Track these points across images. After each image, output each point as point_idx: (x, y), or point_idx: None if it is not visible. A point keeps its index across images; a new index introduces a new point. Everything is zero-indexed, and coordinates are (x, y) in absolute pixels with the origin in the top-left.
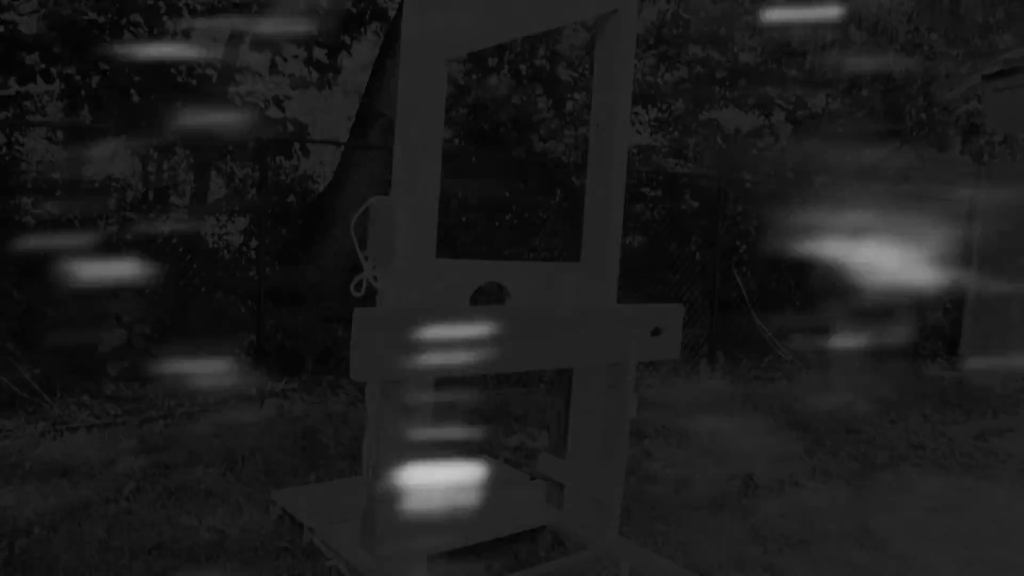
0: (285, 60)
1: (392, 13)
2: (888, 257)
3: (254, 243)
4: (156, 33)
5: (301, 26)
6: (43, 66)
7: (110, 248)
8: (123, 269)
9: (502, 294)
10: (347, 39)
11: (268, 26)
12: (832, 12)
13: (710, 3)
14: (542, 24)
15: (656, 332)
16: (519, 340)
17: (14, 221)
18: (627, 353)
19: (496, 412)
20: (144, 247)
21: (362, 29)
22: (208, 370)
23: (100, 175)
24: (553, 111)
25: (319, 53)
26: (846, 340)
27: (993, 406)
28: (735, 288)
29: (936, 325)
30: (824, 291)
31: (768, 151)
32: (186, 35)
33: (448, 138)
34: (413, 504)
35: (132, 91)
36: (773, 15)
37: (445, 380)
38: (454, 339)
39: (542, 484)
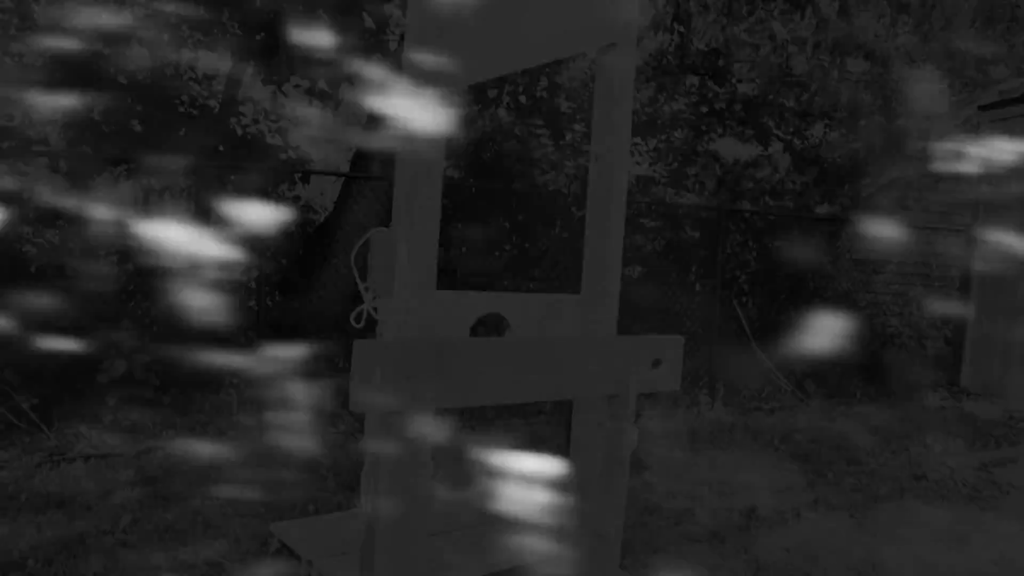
0: (286, 95)
1: (393, 46)
2: (883, 285)
3: (254, 273)
4: (159, 65)
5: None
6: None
7: (110, 278)
8: (123, 298)
9: (502, 326)
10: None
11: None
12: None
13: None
14: (543, 57)
15: (656, 364)
16: (518, 371)
17: (16, 250)
18: (627, 385)
19: (495, 443)
20: (145, 276)
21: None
22: (207, 401)
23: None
24: (553, 142)
25: (321, 84)
26: (846, 370)
27: (996, 437)
28: (735, 318)
29: (937, 355)
30: (824, 321)
31: (767, 181)
32: (190, 66)
33: (448, 169)
34: (412, 537)
35: (135, 121)
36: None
37: (445, 411)
38: (454, 370)
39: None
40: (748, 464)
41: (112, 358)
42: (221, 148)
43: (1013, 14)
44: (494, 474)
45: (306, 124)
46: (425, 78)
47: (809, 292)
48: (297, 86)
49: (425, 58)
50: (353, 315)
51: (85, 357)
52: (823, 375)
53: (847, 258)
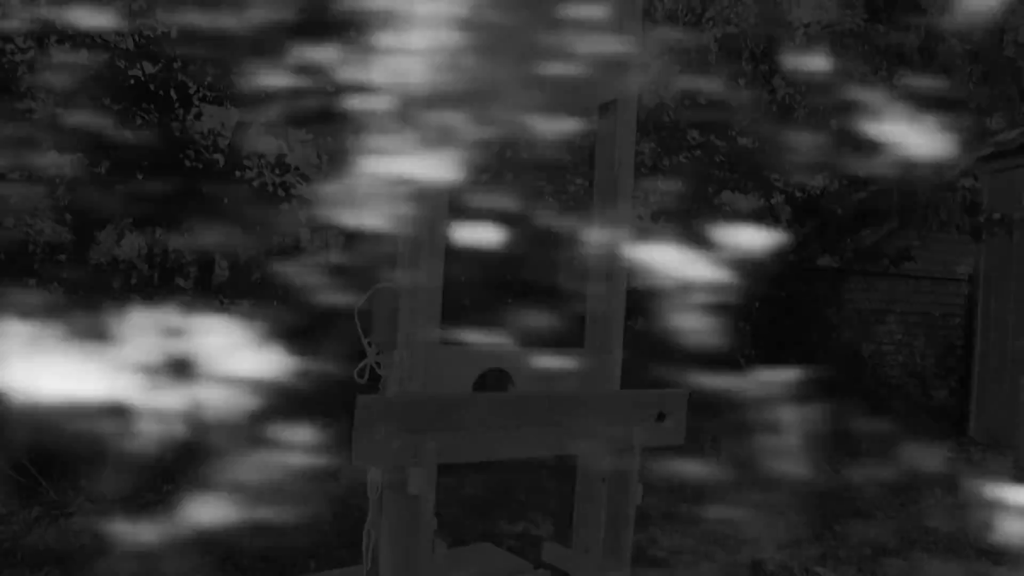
0: (291, 150)
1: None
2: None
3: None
4: (166, 119)
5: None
6: (55, 153)
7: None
8: None
9: (506, 379)
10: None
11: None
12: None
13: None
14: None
15: (661, 418)
16: (522, 426)
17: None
18: (631, 439)
19: (499, 498)
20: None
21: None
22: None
23: (107, 256)
24: (555, 195)
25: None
26: (853, 421)
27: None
28: (739, 368)
29: (942, 405)
30: (827, 371)
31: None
32: (196, 117)
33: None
34: None
35: (139, 175)
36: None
37: (448, 466)
38: (457, 426)
39: (547, 573)
40: (755, 517)
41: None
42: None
43: (1011, 67)
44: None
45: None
46: (431, 134)
47: (812, 343)
48: (303, 141)
49: (433, 116)
50: (356, 370)
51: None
52: (828, 426)
53: (849, 308)
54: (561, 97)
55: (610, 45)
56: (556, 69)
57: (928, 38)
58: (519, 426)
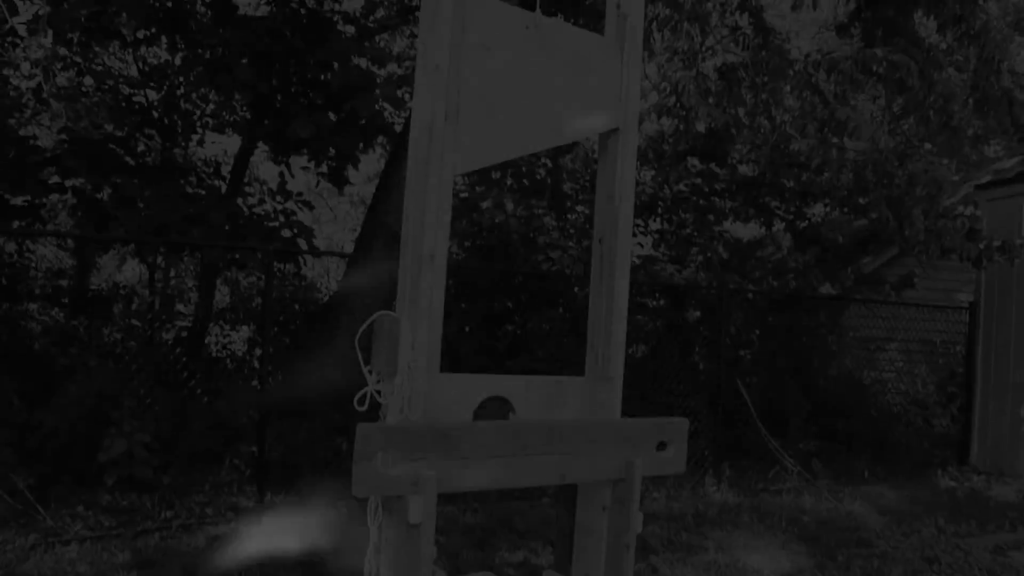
0: (292, 176)
1: (399, 127)
2: (887, 363)
3: (257, 352)
4: (169, 146)
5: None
6: (58, 180)
7: (114, 355)
8: (126, 376)
9: (506, 408)
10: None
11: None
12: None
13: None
14: (547, 143)
15: (662, 446)
16: (522, 455)
17: (20, 327)
18: (632, 468)
19: (499, 527)
20: (148, 355)
21: (370, 143)
22: (207, 481)
23: (108, 282)
24: (555, 223)
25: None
26: (853, 449)
27: (1009, 518)
28: (739, 398)
29: (944, 433)
30: (830, 400)
31: (769, 260)
32: (199, 143)
33: (452, 250)
34: None
35: (140, 203)
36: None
37: (449, 494)
38: (457, 454)
39: None
40: (755, 547)
41: (112, 436)
42: (227, 227)
43: (1007, 97)
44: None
45: (312, 203)
46: (430, 161)
47: (813, 371)
48: (305, 167)
49: (431, 141)
50: (357, 398)
51: (85, 436)
52: (830, 455)
53: (850, 336)
54: (563, 126)
55: (611, 75)
56: (559, 101)
57: (927, 64)
58: (520, 455)
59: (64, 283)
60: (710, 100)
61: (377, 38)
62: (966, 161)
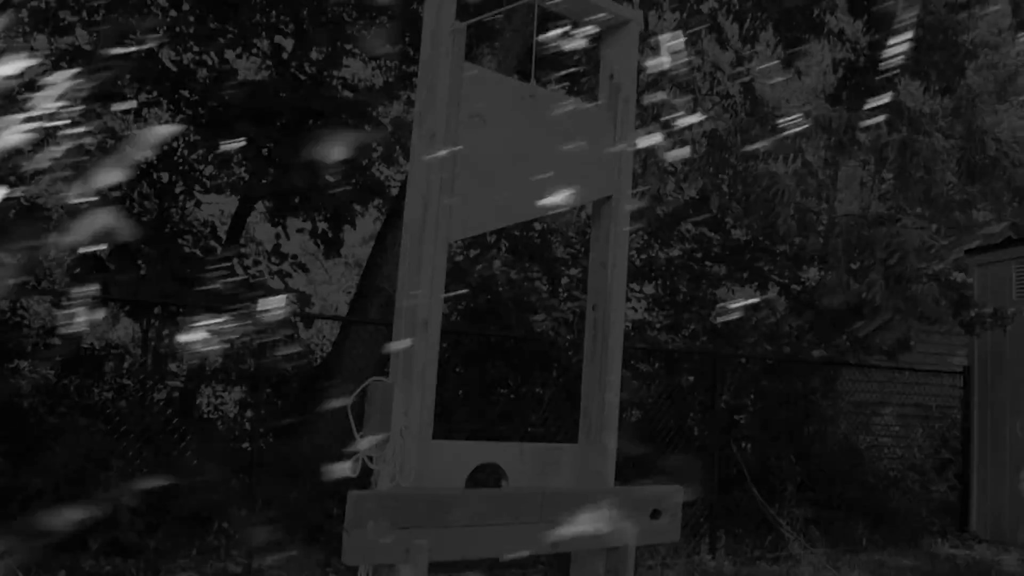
0: (288, 238)
1: (394, 190)
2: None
3: (249, 414)
4: (167, 207)
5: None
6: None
7: (103, 415)
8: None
9: (499, 475)
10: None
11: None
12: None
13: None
14: (541, 211)
15: (656, 515)
16: (515, 524)
17: (10, 384)
18: (626, 537)
19: None
20: (138, 415)
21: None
22: (194, 546)
23: (100, 341)
24: (549, 288)
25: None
26: (851, 516)
27: None
28: (735, 464)
29: (943, 499)
30: (826, 465)
31: (763, 325)
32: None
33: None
34: None
35: (140, 262)
36: None
37: (440, 564)
38: (450, 522)
39: None
40: None
41: (97, 500)
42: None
43: (993, 166)
44: None
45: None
46: (425, 226)
47: (809, 435)
48: (300, 230)
49: (426, 207)
50: (349, 464)
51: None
52: (827, 521)
53: (845, 400)
54: (557, 194)
55: (605, 144)
56: (554, 170)
57: (911, 131)
58: (512, 523)
59: (56, 341)
60: (698, 166)
61: (372, 108)
62: (956, 226)
